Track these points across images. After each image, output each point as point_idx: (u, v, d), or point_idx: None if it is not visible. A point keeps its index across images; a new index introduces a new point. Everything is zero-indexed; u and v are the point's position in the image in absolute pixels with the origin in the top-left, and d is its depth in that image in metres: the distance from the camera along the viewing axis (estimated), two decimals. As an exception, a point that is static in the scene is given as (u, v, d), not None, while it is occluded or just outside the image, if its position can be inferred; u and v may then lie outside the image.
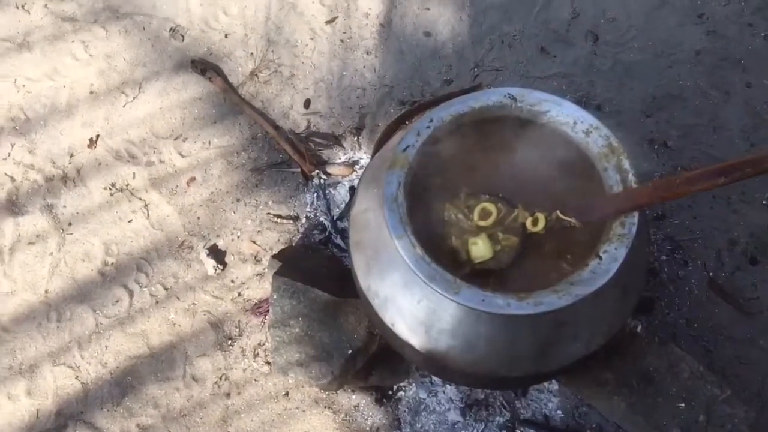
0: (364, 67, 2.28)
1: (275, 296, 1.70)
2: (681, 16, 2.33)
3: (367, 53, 2.30)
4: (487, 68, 2.28)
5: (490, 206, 1.40)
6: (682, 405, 1.63)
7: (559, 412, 1.82)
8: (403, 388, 1.85)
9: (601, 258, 1.26)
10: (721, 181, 1.23)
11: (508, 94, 1.40)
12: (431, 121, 1.38)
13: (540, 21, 2.35)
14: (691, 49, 2.28)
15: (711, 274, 2.00)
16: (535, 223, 1.37)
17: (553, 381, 1.83)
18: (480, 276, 1.37)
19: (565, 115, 1.38)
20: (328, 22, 2.33)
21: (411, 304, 1.33)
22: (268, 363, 1.90)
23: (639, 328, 1.68)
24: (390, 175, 1.33)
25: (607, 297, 1.34)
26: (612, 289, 1.34)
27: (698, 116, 2.19)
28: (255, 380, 1.90)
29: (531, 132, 1.40)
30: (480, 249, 1.36)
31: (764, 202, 2.08)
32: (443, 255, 1.39)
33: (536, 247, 1.40)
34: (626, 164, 1.32)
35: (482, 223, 1.38)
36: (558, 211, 1.35)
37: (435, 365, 1.39)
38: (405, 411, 1.83)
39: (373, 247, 1.37)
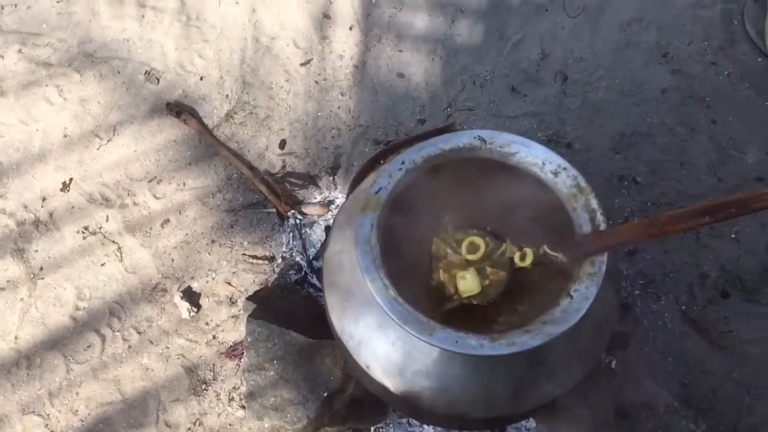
0: (338, 107, 2.31)
1: (249, 339, 1.69)
2: (646, 55, 2.39)
3: (342, 94, 2.33)
4: (459, 108, 2.32)
5: (479, 240, 1.41)
6: (659, 439, 1.65)
7: (537, 451, 1.82)
8: (380, 430, 1.83)
9: (572, 297, 1.27)
10: (705, 220, 1.25)
11: (478, 136, 1.42)
12: (403, 163, 1.39)
13: (510, 61, 2.40)
14: (657, 87, 2.34)
15: (683, 308, 2.02)
16: (523, 258, 1.38)
17: (530, 420, 1.82)
18: (466, 311, 1.37)
19: (534, 156, 1.40)
20: (302, 64, 2.37)
21: (385, 346, 1.33)
22: (243, 407, 1.87)
23: (613, 364, 1.69)
24: (363, 218, 1.34)
25: (580, 335, 1.35)
26: (585, 327, 1.35)
27: (665, 152, 2.24)
28: (230, 425, 1.87)
29: (505, 172, 1.43)
30: (468, 283, 1.36)
31: (733, 235, 2.12)
32: (428, 291, 1.39)
33: (522, 283, 1.40)
34: (594, 204, 1.35)
35: (471, 257, 1.39)
36: (546, 246, 1.36)
37: (410, 407, 1.38)
38: (383, 453, 1.81)
39: (347, 289, 1.38)
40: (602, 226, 1.33)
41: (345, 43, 2.40)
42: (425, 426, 1.81)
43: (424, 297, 1.41)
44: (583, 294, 1.27)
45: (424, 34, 2.44)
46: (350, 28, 2.43)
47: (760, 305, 2.03)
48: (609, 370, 1.69)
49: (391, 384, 1.35)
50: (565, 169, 1.38)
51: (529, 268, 1.36)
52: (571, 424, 1.66)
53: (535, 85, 2.36)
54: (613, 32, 2.44)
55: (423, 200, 1.41)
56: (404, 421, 1.82)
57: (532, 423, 1.84)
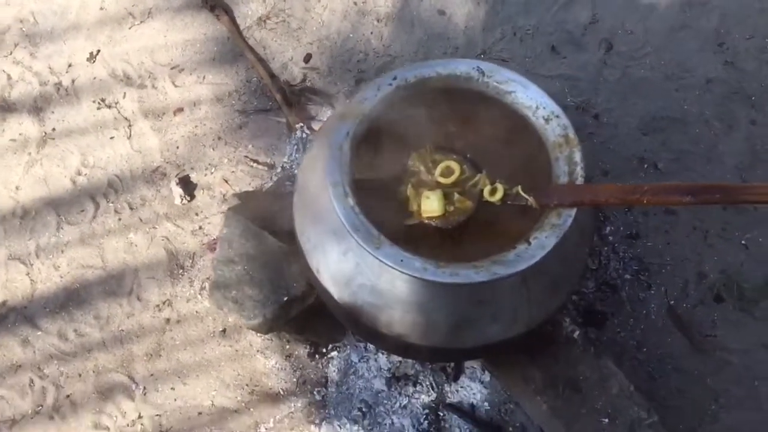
0: (371, 33, 2.28)
1: (225, 231, 1.71)
2: (701, 41, 2.27)
3: (378, 20, 2.30)
4: (493, 57, 2.26)
5: (455, 165, 1.38)
6: (606, 421, 1.61)
7: (487, 404, 1.81)
8: (338, 349, 1.86)
9: (529, 243, 1.24)
10: (686, 200, 1.22)
11: (478, 67, 1.39)
12: (394, 78, 1.37)
13: (557, 20, 2.32)
14: (703, 76, 2.23)
15: (672, 302, 1.96)
16: (493, 192, 1.35)
17: (486, 372, 1.82)
18: (441, 239, 1.35)
19: (529, 99, 1.36)
20: (346, -18, 2.34)
21: (336, 255, 1.33)
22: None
23: (576, 334, 1.66)
24: (341, 124, 1.33)
25: (532, 285, 1.33)
26: (539, 278, 1.33)
27: (695, 144, 2.14)
28: (196, 312, 1.92)
29: (497, 109, 1.39)
30: (432, 203, 1.34)
31: (743, 242, 2.03)
32: (396, 212, 1.37)
33: (489, 220, 1.38)
34: (577, 157, 1.30)
35: (442, 180, 1.36)
36: (519, 187, 1.33)
37: (351, 320, 1.39)
38: (335, 371, 1.84)
39: (313, 192, 1.38)
40: (579, 181, 1.29)
41: (394, -31, 2.36)
42: (380, 354, 1.83)
43: (392, 218, 1.38)
44: (540, 243, 1.24)
45: (475, -24, 2.37)
46: (402, -44, 2.38)
47: (753, 318, 1.95)
48: (570, 339, 1.66)
49: (336, 292, 1.36)
50: (557, 116, 1.34)
51: (497, 205, 1.33)
52: (521, 382, 1.65)
53: (576, 49, 2.28)
54: (672, 11, 2.32)
55: (407, 121, 1.39)
56: (361, 345, 1.84)
57: (486, 377, 1.83)
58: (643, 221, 2.04)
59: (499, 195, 1.33)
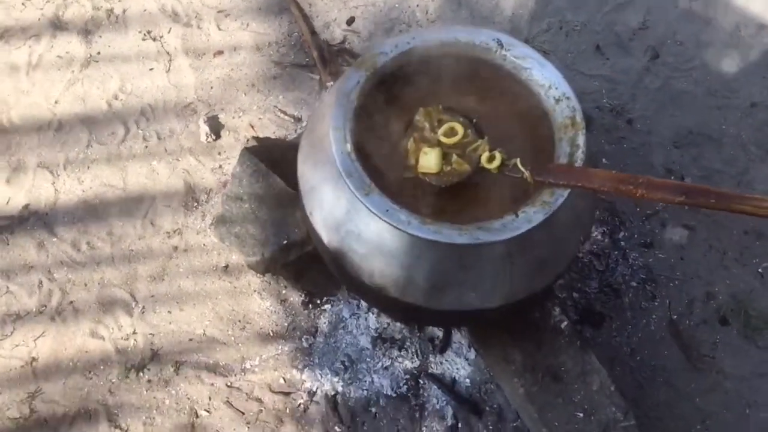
0: (417, 5, 2.29)
1: (238, 169, 1.76)
2: (751, 64, 2.22)
3: (427, -6, 2.32)
4: (535, 46, 2.23)
5: (459, 127, 1.38)
6: (580, 415, 1.61)
7: (468, 381, 1.82)
8: (332, 302, 1.89)
9: (517, 216, 1.25)
10: (681, 199, 1.22)
11: (498, 39, 1.40)
12: (413, 38, 1.39)
13: (606, 20, 2.29)
14: (747, 98, 2.18)
15: (675, 317, 1.93)
16: (490, 160, 1.35)
17: (472, 350, 1.83)
18: (434, 197, 1.37)
19: (543, 77, 1.36)
20: (402, -47, 2.36)
21: (330, 198, 1.36)
22: (220, 234, 1.98)
23: (564, 325, 1.65)
24: (353, 72, 1.36)
25: (517, 259, 1.33)
26: (524, 253, 1.34)
27: (727, 165, 2.10)
28: (203, 245, 1.98)
29: (510, 82, 1.40)
30: (429, 160, 1.35)
31: (759, 270, 1.98)
32: (394, 162, 1.38)
33: (487, 188, 1.38)
34: (580, 141, 1.30)
35: (444, 139, 1.37)
36: (518, 160, 1.33)
37: (337, 266, 1.42)
38: (325, 322, 1.87)
39: (317, 137, 1.41)
40: (578, 164, 1.29)
41: (451, -54, 2.37)
42: (370, 313, 1.86)
43: (391, 172, 1.39)
44: (528, 216, 1.25)
45: (532, -35, 2.36)
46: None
47: (756, 346, 1.90)
48: (557, 328, 1.65)
49: (326, 236, 1.38)
50: (568, 98, 1.34)
51: (494, 173, 1.34)
52: (502, 362, 1.66)
53: (621, 52, 2.25)
54: (728, 28, 2.27)
55: (419, 81, 1.41)
56: (354, 302, 1.87)
57: (471, 354, 1.84)
58: (659, 232, 2.02)
59: (496, 163, 1.33)
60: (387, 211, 1.24)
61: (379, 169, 1.34)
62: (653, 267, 1.98)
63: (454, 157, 1.35)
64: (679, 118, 2.16)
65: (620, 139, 2.14)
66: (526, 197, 1.29)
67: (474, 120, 1.39)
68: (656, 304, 1.94)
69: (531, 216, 1.25)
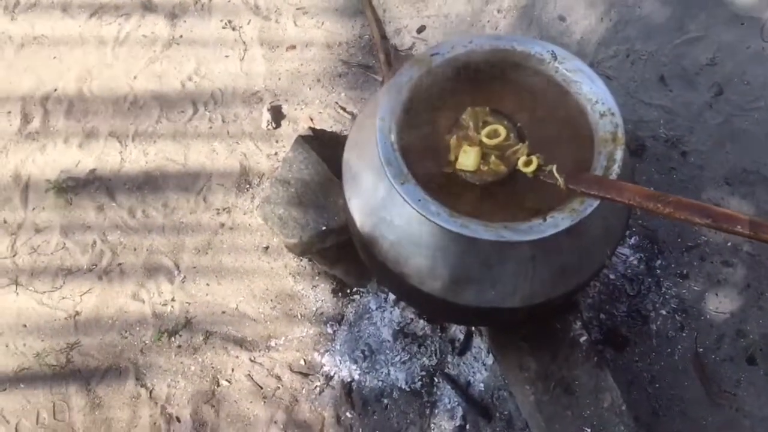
0: (488, 21, 2.36)
1: (290, 154, 1.85)
2: (819, 110, 2.18)
3: (499, 11, 2.37)
4: (599, 71, 2.26)
5: (502, 130, 1.42)
6: (588, 430, 1.61)
7: (482, 385, 1.84)
8: (361, 294, 1.96)
9: (544, 220, 1.28)
10: (707, 222, 1.22)
11: (553, 51, 1.44)
12: (470, 42, 1.45)
13: (675, 53, 2.29)
14: (812, 145, 2.14)
15: (701, 350, 1.90)
16: (527, 164, 1.39)
17: (490, 356, 1.85)
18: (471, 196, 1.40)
19: (592, 92, 1.39)
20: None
21: (369, 185, 1.43)
22: (267, 217, 2.08)
23: (583, 339, 1.66)
24: (406, 69, 1.42)
25: (540, 263, 1.36)
26: (548, 258, 1.37)
27: (779, 209, 2.06)
28: (249, 225, 2.08)
29: (557, 92, 1.44)
30: (468, 158, 1.40)
31: (798, 315, 1.94)
32: (436, 157, 1.43)
33: (523, 192, 1.41)
34: (618, 156, 1.33)
35: (485, 140, 1.42)
36: (555, 166, 1.36)
37: (366, 251, 1.48)
38: (352, 312, 1.94)
39: (366, 127, 1.48)
40: (612, 178, 1.31)
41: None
42: (396, 308, 1.91)
43: (432, 167, 1.44)
44: (554, 222, 1.28)
45: (604, -7, 2.39)
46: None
47: (783, 391, 1.86)
48: (575, 342, 1.66)
49: (359, 220, 1.45)
50: (612, 114, 1.36)
51: (529, 177, 1.38)
52: (516, 368, 1.68)
53: (685, 85, 2.25)
54: (798, 73, 2.24)
55: (470, 84, 1.46)
56: (382, 295, 1.93)
57: (489, 360, 1.87)
58: (697, 265, 2.00)
59: (532, 167, 1.37)
60: (419, 201, 1.29)
61: (419, 162, 1.39)
62: (686, 298, 1.96)
63: (493, 157, 1.40)
64: (735, 156, 2.14)
65: (671, 169, 2.14)
66: (557, 204, 1.33)
67: (518, 124, 1.44)
68: (684, 335, 1.92)
69: (558, 221, 1.28)
